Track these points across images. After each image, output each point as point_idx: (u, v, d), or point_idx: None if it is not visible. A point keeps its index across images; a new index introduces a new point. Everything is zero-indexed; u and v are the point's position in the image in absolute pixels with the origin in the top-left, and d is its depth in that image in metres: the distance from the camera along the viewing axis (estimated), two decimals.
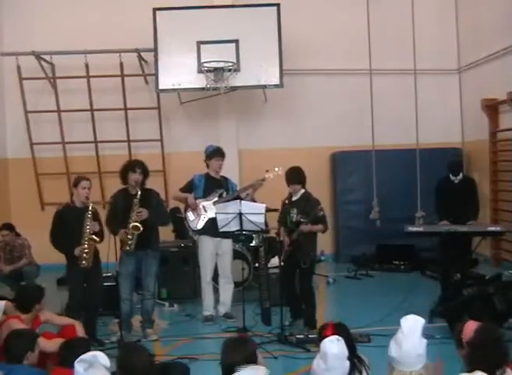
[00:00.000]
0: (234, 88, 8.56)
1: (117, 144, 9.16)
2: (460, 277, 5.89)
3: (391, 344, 2.83)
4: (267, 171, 6.20)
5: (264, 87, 8.66)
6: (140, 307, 5.92)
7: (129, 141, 9.22)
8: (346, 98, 9.59)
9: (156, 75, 8.56)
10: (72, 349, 3.34)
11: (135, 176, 5.60)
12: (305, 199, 5.64)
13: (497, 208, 8.53)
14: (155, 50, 8.51)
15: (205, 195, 6.24)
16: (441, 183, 6.75)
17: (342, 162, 9.50)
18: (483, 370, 2.66)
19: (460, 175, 6.56)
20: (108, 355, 2.92)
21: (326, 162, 9.74)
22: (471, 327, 2.95)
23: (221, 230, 5.71)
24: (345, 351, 2.85)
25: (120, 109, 9.09)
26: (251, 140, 9.55)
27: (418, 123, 9.13)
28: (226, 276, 6.33)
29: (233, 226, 5.61)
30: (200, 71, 8.38)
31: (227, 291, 6.32)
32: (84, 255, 5.28)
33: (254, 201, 7.14)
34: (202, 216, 6.22)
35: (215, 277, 6.41)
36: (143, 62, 9.17)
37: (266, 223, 6.35)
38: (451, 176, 6.55)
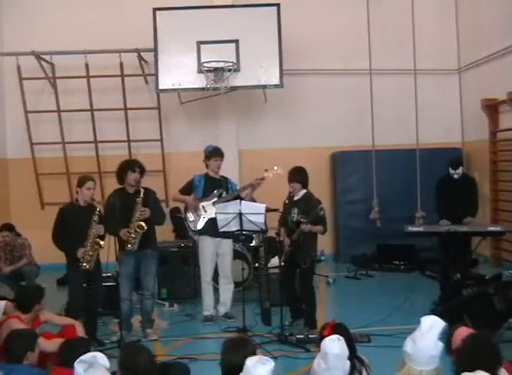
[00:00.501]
0: (234, 88, 8.56)
1: (117, 144, 9.16)
2: (460, 277, 5.88)
3: (407, 340, 2.83)
4: (266, 170, 6.20)
5: (264, 87, 8.66)
6: (140, 307, 5.92)
7: (129, 141, 9.23)
8: (346, 98, 9.59)
9: (156, 75, 8.56)
10: (72, 349, 3.34)
11: (135, 176, 5.60)
12: (306, 199, 5.64)
13: (497, 208, 8.53)
14: (155, 50, 8.51)
15: (205, 195, 6.24)
16: (441, 182, 6.74)
17: (342, 162, 9.50)
18: None
19: (460, 169, 6.47)
20: (108, 355, 2.93)
21: (326, 162, 9.74)
22: (459, 335, 2.95)
23: (221, 230, 5.71)
24: (346, 351, 2.85)
25: (120, 109, 9.09)
26: (251, 140, 9.55)
27: (418, 123, 9.13)
28: (226, 276, 6.33)
29: (233, 226, 5.60)
30: (200, 71, 8.38)
31: (227, 291, 6.32)
32: (87, 257, 5.28)
33: (254, 201, 7.17)
34: (202, 216, 6.22)
35: (215, 277, 6.41)
36: (143, 62, 9.17)
37: (265, 223, 6.35)
38: (451, 169, 6.46)
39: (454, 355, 2.86)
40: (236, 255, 6.86)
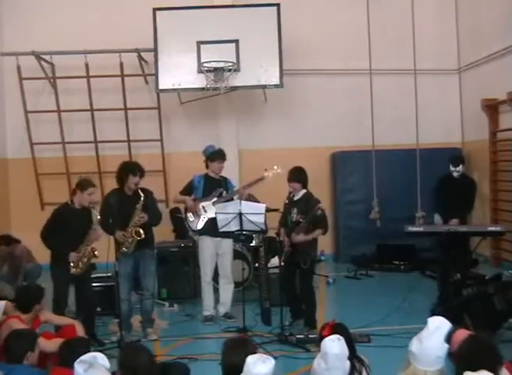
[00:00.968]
0: (234, 88, 8.56)
1: (117, 144, 9.16)
2: (460, 277, 5.88)
3: (413, 340, 2.82)
4: (266, 170, 6.21)
5: (264, 87, 8.65)
6: (140, 307, 5.92)
7: (129, 141, 9.22)
8: (346, 98, 9.59)
9: (156, 75, 8.56)
10: (72, 349, 3.35)
11: (136, 180, 5.58)
12: (306, 199, 5.64)
13: (497, 208, 8.53)
14: (155, 50, 8.51)
15: (205, 195, 6.24)
16: (441, 181, 6.76)
17: (342, 162, 9.50)
18: None
19: (460, 167, 6.53)
20: (108, 355, 2.93)
21: (326, 162, 9.74)
22: (458, 338, 2.95)
23: (221, 230, 5.71)
24: (346, 351, 2.85)
25: (120, 109, 9.09)
26: (251, 140, 9.55)
27: (418, 123, 9.13)
28: (226, 276, 6.33)
29: (233, 226, 5.61)
30: (200, 71, 8.38)
31: (227, 291, 6.32)
32: (79, 263, 5.28)
33: (254, 200, 7.18)
34: (202, 216, 6.22)
35: (215, 277, 6.41)
36: (143, 62, 9.17)
37: (265, 223, 6.35)
38: (451, 166, 6.54)
39: (453, 358, 2.86)
40: (236, 255, 6.86)
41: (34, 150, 9.28)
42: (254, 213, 5.50)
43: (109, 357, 2.90)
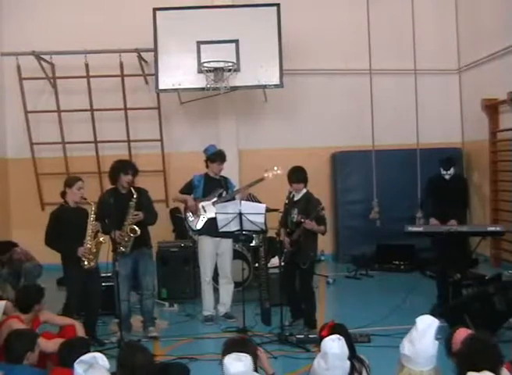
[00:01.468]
0: (234, 88, 8.56)
1: (117, 144, 9.16)
2: (460, 277, 5.88)
3: (404, 342, 2.81)
4: (266, 170, 6.21)
5: (264, 87, 8.65)
6: (140, 307, 5.92)
7: (129, 141, 9.22)
8: (346, 98, 9.58)
9: (156, 75, 8.56)
10: (71, 349, 3.35)
11: (127, 178, 5.61)
12: (306, 199, 5.64)
13: (497, 208, 8.53)
14: (155, 50, 8.51)
15: (205, 195, 6.25)
16: (431, 182, 6.72)
17: (342, 163, 9.49)
18: None
19: (452, 170, 6.44)
20: (108, 355, 2.93)
21: (326, 163, 9.74)
22: (459, 337, 2.95)
23: (221, 230, 5.72)
24: (346, 351, 2.85)
25: (120, 109, 9.09)
26: (251, 140, 9.55)
27: (418, 123, 9.13)
28: (226, 276, 6.33)
29: (233, 226, 5.61)
30: (200, 71, 8.38)
31: (227, 291, 6.32)
32: (89, 255, 5.29)
33: (255, 199, 7.18)
34: (201, 216, 6.22)
35: (215, 277, 6.41)
36: (143, 62, 9.16)
37: (265, 223, 6.35)
38: (442, 170, 6.46)
39: (456, 358, 2.86)
40: (236, 255, 6.85)
41: (34, 150, 9.28)
42: (254, 213, 5.50)
43: (109, 357, 2.90)
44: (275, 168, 6.18)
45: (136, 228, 5.47)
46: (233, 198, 6.11)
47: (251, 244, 7.45)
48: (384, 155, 9.07)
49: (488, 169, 8.70)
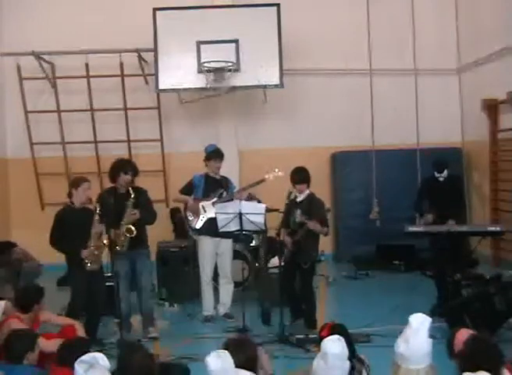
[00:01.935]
0: (234, 88, 8.56)
1: (117, 144, 9.16)
2: (460, 277, 5.88)
3: (398, 341, 2.81)
4: (267, 172, 6.20)
5: (264, 87, 8.65)
6: (140, 307, 5.92)
7: (129, 141, 9.22)
8: (346, 98, 9.58)
9: (156, 75, 8.56)
10: (71, 349, 3.34)
11: (127, 178, 5.61)
12: (309, 200, 5.64)
13: (497, 208, 8.52)
14: (155, 50, 8.51)
15: (205, 195, 6.24)
16: (425, 183, 6.70)
17: (342, 162, 9.50)
18: None
19: (445, 172, 6.41)
20: (108, 355, 2.92)
21: (326, 163, 9.74)
22: (461, 338, 2.95)
23: (221, 230, 5.71)
24: (345, 351, 2.85)
25: (120, 109, 9.09)
26: (251, 140, 9.55)
27: (418, 122, 9.13)
28: (226, 276, 6.33)
29: (233, 226, 5.61)
30: (200, 71, 8.38)
31: (227, 291, 6.32)
32: (93, 257, 5.28)
33: (255, 199, 7.18)
34: (201, 216, 6.22)
35: (215, 277, 6.41)
36: (143, 62, 9.16)
37: (265, 224, 6.35)
38: (436, 173, 6.45)
39: (457, 358, 2.86)
40: (236, 255, 6.85)
41: (34, 150, 9.29)
42: (254, 213, 5.50)
43: (109, 357, 2.90)
44: (276, 170, 6.17)
45: (133, 228, 5.47)
46: (232, 199, 6.11)
47: (251, 244, 7.45)
48: (384, 155, 9.07)
49: (488, 169, 8.70)
